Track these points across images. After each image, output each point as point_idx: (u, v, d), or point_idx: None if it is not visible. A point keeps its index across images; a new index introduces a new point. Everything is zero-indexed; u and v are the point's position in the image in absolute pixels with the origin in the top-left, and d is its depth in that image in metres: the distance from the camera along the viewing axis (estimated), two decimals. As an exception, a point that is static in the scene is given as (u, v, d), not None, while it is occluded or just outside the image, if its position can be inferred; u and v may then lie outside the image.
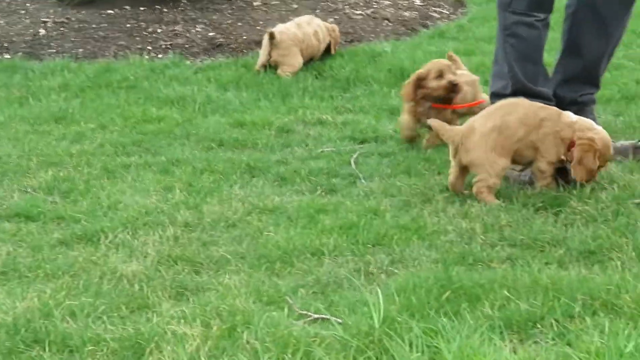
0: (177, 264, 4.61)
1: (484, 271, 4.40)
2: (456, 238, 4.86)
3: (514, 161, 5.55)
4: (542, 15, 6.08)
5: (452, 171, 5.50)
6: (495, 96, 6.07)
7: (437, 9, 10.74)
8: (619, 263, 4.43)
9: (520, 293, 4.06)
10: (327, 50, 8.76)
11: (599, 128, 5.56)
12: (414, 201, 5.39)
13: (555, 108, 5.62)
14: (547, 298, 3.98)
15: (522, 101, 5.63)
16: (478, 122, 5.51)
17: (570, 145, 5.45)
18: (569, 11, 6.21)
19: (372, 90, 7.92)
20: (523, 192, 5.44)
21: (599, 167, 5.45)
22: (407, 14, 10.44)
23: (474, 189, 5.40)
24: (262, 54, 8.39)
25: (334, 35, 8.81)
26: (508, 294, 4.04)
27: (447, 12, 10.69)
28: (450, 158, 5.52)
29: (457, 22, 10.23)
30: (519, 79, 6.01)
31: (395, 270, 4.50)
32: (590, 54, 6.19)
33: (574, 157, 5.40)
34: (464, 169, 5.49)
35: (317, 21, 8.80)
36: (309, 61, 8.52)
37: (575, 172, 5.42)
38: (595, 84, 6.32)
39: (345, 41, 9.26)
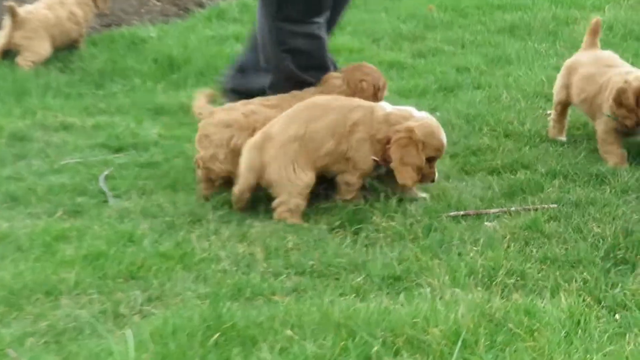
0: None
1: (264, 306, 4.36)
2: (231, 267, 4.81)
3: (321, 176, 5.49)
4: (321, 19, 6.07)
5: (241, 182, 5.42)
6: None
7: (218, -16, 10.72)
8: (428, 290, 4.45)
9: (307, 332, 4.02)
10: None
11: (420, 114, 5.54)
12: (179, 222, 5.34)
13: (368, 104, 5.58)
14: (339, 337, 3.95)
15: (332, 101, 5.54)
16: (276, 128, 5.43)
17: (386, 143, 5.42)
18: None
19: (133, 86, 7.85)
20: (316, 206, 5.43)
21: (431, 159, 5.44)
22: (180, -10, 10.40)
23: (275, 215, 5.38)
24: (1, 36, 8.21)
25: None
26: (292, 334, 4.00)
27: (230, -12, 10.67)
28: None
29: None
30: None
31: (153, 310, 4.42)
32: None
33: (393, 158, 5.38)
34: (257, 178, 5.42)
35: None
36: (63, 49, 8.41)
37: (401, 176, 5.38)
38: (325, 67, 6.22)
39: (101, 25, 9.14)
